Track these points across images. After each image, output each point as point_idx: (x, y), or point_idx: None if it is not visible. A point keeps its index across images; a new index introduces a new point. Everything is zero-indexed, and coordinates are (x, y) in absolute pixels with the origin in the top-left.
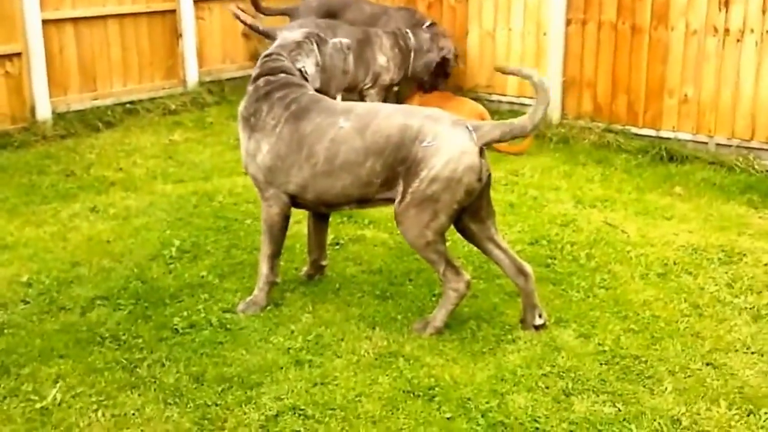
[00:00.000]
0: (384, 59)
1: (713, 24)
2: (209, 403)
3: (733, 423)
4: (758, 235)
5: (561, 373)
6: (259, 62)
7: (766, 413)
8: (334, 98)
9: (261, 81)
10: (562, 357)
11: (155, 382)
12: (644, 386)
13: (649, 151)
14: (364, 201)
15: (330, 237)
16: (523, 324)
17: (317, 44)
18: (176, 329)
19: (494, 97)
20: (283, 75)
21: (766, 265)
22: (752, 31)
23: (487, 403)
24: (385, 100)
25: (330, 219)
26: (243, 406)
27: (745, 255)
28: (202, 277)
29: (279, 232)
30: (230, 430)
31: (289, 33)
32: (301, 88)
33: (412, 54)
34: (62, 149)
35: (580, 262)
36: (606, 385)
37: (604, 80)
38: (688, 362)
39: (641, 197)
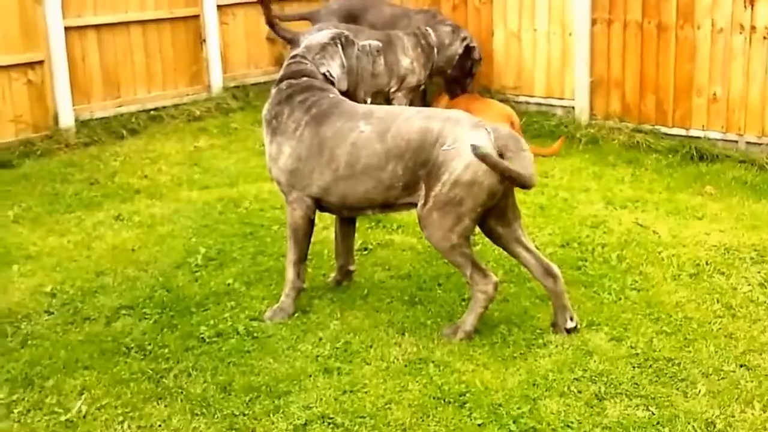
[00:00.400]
0: (408, 61)
1: (739, 22)
2: (237, 413)
3: None
4: None
5: (593, 377)
6: (284, 65)
7: None
8: (363, 102)
9: (284, 84)
10: (594, 361)
11: (182, 392)
12: (677, 389)
13: (679, 151)
14: (387, 206)
15: (358, 242)
16: (554, 327)
17: (343, 46)
18: (203, 338)
19: (521, 99)
20: (305, 78)
21: None
22: None
23: (518, 408)
24: (411, 102)
25: (357, 224)
26: (271, 415)
27: None
28: (228, 284)
29: (304, 236)
30: None
31: (317, 35)
32: (323, 91)
33: (435, 50)
34: (86, 157)
35: (611, 264)
36: (639, 389)
37: (632, 80)
38: (722, 364)
39: (672, 197)
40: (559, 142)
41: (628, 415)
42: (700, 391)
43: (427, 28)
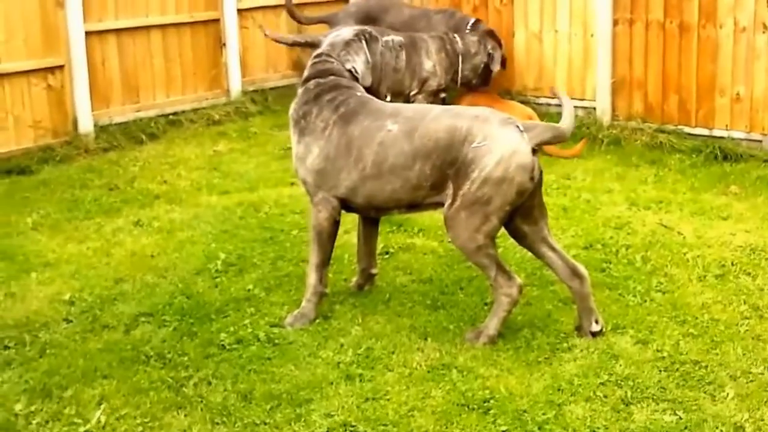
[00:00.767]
0: (431, 64)
1: (762, 21)
2: (257, 422)
3: None
4: None
5: (619, 382)
6: (309, 63)
7: None
8: (385, 98)
9: (311, 83)
10: (620, 365)
11: (202, 401)
12: (705, 393)
13: (703, 151)
14: (413, 206)
15: (379, 246)
16: (579, 331)
17: (367, 42)
18: (223, 345)
19: (542, 100)
20: (332, 77)
21: None
22: None
23: (543, 414)
24: None
25: (378, 228)
26: (292, 424)
27: None
28: (249, 290)
29: (328, 239)
30: None
31: (341, 32)
32: (350, 90)
33: (460, 58)
34: (105, 162)
35: (635, 266)
36: (666, 393)
37: (654, 80)
38: (750, 366)
39: (696, 197)
40: (581, 143)
41: (654, 420)
42: (728, 395)
43: (455, 35)
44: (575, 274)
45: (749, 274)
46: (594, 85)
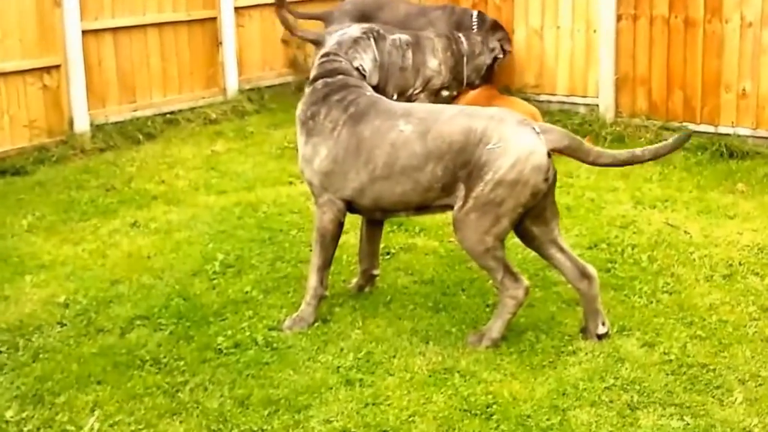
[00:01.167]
0: (436, 63)
1: None
2: (255, 429)
3: None
4: None
5: (625, 386)
6: (316, 63)
7: None
8: (391, 97)
9: (319, 83)
10: (626, 368)
11: (198, 407)
12: (713, 397)
13: (708, 148)
14: (422, 207)
15: (381, 246)
16: (584, 333)
17: (376, 40)
18: (220, 349)
19: (543, 97)
20: (340, 77)
21: None
22: None
23: (548, 420)
24: None
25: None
26: (290, 430)
27: None
28: (247, 292)
29: (331, 241)
30: None
31: (348, 30)
32: (359, 89)
33: (465, 59)
34: (101, 163)
35: (641, 266)
36: (673, 397)
37: (659, 76)
38: (759, 369)
39: (702, 196)
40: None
41: (662, 425)
42: (736, 399)
43: (460, 35)
44: (584, 275)
45: (757, 274)
46: (597, 82)
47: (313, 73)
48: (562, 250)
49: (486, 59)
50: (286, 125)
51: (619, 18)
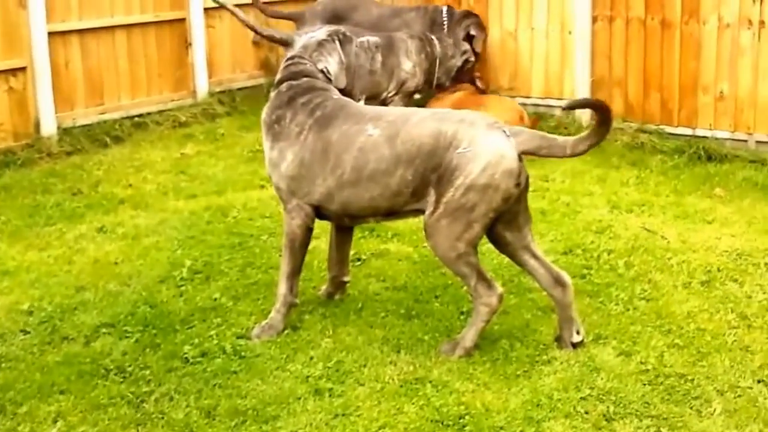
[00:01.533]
0: (410, 65)
1: (747, 17)
2: None
3: None
4: None
5: (601, 396)
6: (281, 66)
7: None
8: (358, 100)
9: (283, 86)
10: (602, 378)
11: (163, 418)
12: (691, 408)
13: (686, 151)
14: (391, 213)
15: (351, 252)
16: (559, 342)
17: (341, 42)
18: (186, 358)
19: (518, 100)
20: (306, 79)
21: None
22: None
23: (521, 431)
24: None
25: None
26: None
27: None
28: (215, 299)
29: (300, 247)
30: None
31: (313, 34)
32: (326, 92)
33: (438, 61)
34: (68, 166)
35: (618, 272)
36: (650, 408)
37: (635, 78)
38: (738, 380)
39: (680, 200)
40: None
41: None
42: (715, 410)
43: (432, 37)
44: (558, 282)
45: (736, 280)
46: (572, 84)
47: (278, 77)
48: (535, 256)
49: (457, 62)
50: (257, 128)
51: (594, 19)
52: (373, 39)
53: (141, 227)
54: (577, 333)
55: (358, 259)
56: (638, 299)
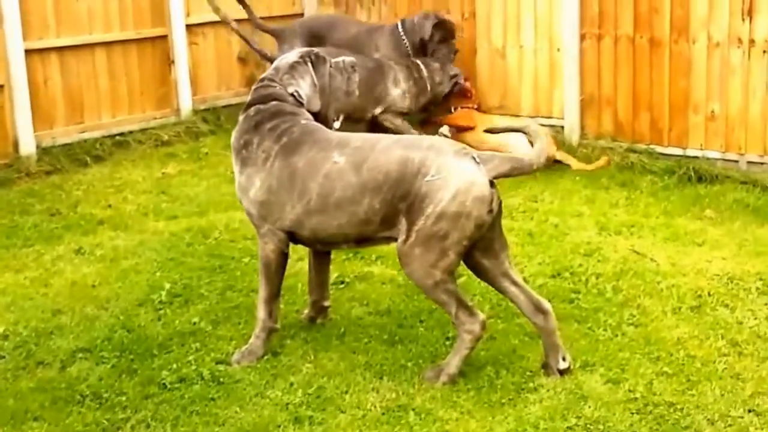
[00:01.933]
0: (398, 92)
1: (737, 35)
2: None
3: None
4: None
5: (588, 425)
6: (252, 88)
7: None
8: (334, 121)
9: (252, 110)
10: (589, 406)
11: None
12: None
13: (676, 172)
14: (362, 240)
15: (334, 274)
16: (546, 369)
17: (313, 64)
18: (164, 384)
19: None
20: (274, 102)
21: None
22: None
23: None
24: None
25: (333, 255)
26: None
27: None
28: (194, 323)
29: (276, 272)
30: None
31: (286, 55)
32: (294, 116)
33: (429, 88)
34: (47, 186)
35: (606, 296)
36: None
37: (625, 97)
38: (729, 409)
39: (670, 222)
40: (603, 160)
41: None
42: None
43: (419, 63)
44: (539, 309)
45: (727, 305)
46: (561, 103)
47: (248, 100)
48: (515, 283)
49: (445, 88)
50: None
51: (582, 37)
52: (349, 59)
53: (120, 249)
54: (563, 359)
55: (342, 282)
56: (627, 325)
